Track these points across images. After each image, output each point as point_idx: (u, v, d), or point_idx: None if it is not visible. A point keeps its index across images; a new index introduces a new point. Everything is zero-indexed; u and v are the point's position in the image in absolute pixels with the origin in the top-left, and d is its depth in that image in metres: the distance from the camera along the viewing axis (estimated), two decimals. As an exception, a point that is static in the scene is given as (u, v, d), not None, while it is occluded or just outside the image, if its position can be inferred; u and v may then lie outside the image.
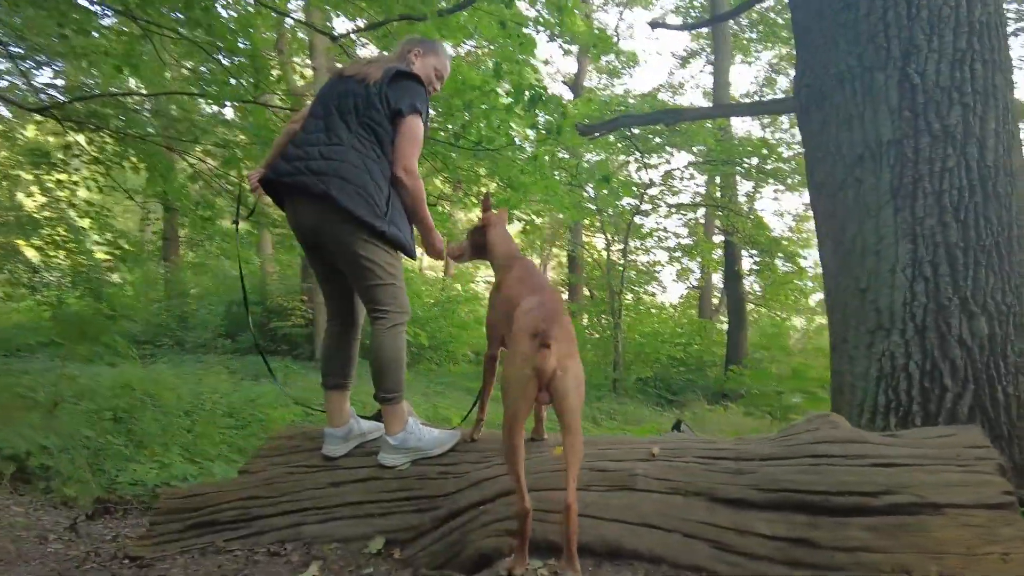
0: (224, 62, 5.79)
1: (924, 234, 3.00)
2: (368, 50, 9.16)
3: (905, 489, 1.72)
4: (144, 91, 7.84)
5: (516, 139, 6.31)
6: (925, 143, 3.02)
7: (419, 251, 2.74)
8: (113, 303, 10.87)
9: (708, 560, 1.77)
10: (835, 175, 3.33)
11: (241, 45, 5.48)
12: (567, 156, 8.73)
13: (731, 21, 12.67)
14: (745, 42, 15.20)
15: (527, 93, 5.62)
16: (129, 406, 5.42)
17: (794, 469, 1.89)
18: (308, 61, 11.30)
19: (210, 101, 6.58)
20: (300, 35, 10.82)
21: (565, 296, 15.70)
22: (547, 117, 5.52)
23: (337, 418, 2.60)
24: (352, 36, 7.49)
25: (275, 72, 6.29)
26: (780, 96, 17.20)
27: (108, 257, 9.39)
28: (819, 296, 14.67)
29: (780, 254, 12.03)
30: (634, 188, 12.00)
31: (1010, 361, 2.88)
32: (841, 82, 3.28)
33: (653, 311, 14.93)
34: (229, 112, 7.73)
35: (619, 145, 12.67)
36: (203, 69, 6.61)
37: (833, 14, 3.31)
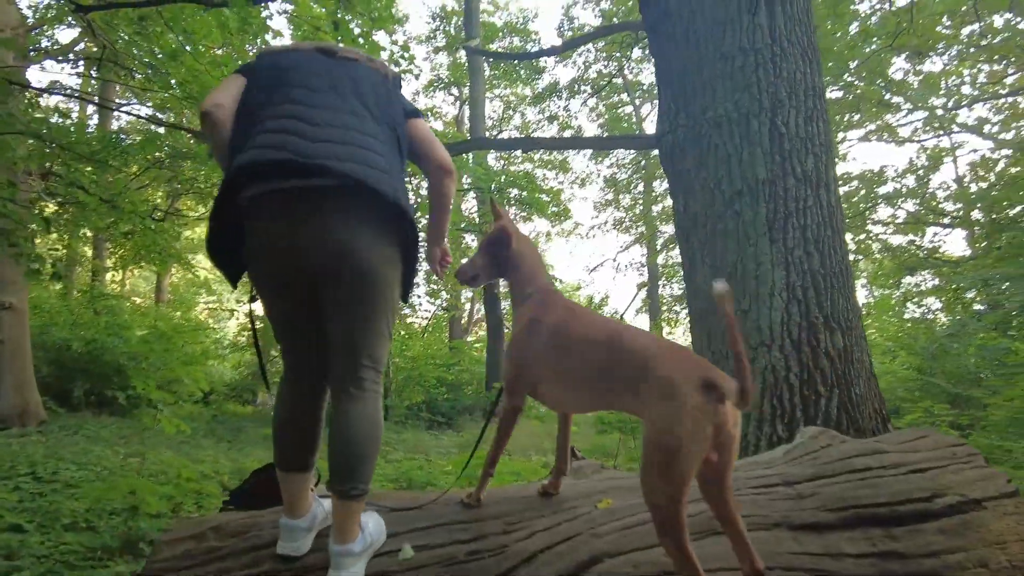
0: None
1: (794, 262, 3.50)
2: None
3: (948, 490, 1.95)
4: None
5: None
6: (792, 184, 3.53)
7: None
8: None
9: (818, 591, 1.77)
10: (714, 207, 3.69)
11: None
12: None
13: (482, 59, 13.37)
14: (486, 78, 16.21)
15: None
16: None
17: (849, 486, 2.00)
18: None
19: None
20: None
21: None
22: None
23: (301, 505, 1.96)
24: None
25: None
26: (513, 130, 18.78)
27: None
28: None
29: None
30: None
31: (857, 367, 3.50)
32: (719, 125, 3.67)
33: (415, 334, 14.84)
34: None
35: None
36: None
37: (710, 64, 3.71)
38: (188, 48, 6.16)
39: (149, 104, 10.19)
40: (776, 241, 3.52)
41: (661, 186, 17.27)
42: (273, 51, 2.03)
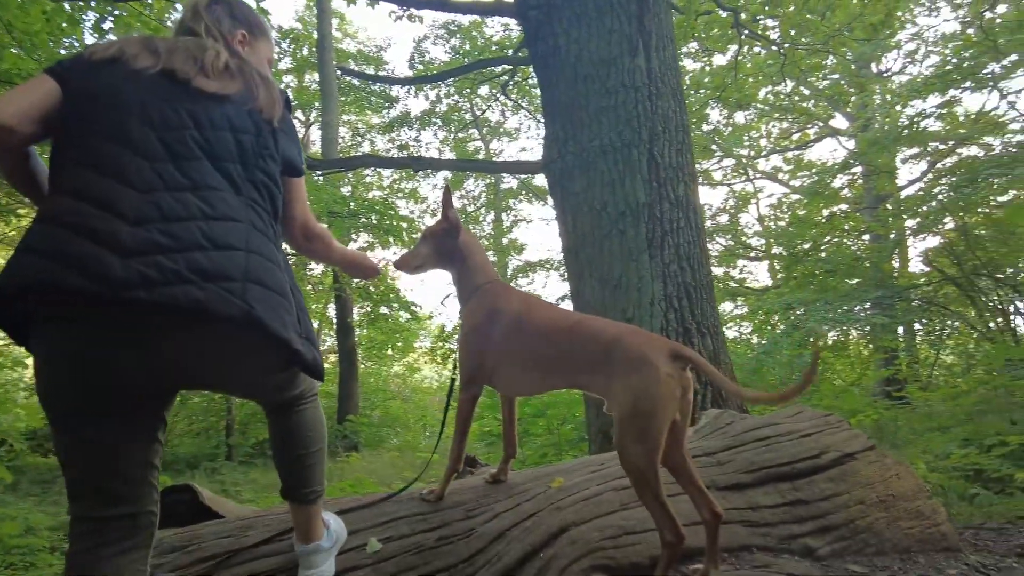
0: None
1: (670, 275, 3.96)
2: None
3: (830, 448, 2.38)
4: None
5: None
6: (667, 207, 4.02)
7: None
8: None
9: (748, 537, 2.07)
10: (600, 227, 4.07)
11: None
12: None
13: (337, 81, 13.20)
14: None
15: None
16: None
17: (756, 452, 2.35)
18: None
19: None
20: None
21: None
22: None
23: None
24: None
25: None
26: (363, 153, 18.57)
27: None
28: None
29: (395, 304, 12.83)
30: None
31: (723, 368, 4.02)
32: (604, 153, 4.07)
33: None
34: None
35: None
36: None
37: (596, 99, 4.12)
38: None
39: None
40: (654, 257, 3.96)
41: (509, 219, 18.04)
42: (94, 59, 1.41)
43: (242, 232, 1.36)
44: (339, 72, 10.83)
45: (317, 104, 14.90)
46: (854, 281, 10.68)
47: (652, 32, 4.18)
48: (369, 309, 12.98)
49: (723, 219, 15.36)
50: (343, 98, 15.94)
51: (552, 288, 18.13)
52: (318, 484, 1.77)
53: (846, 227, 11.81)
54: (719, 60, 10.26)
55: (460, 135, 17.63)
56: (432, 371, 18.07)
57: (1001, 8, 8.90)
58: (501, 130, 18.67)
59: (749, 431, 2.47)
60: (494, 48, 13.16)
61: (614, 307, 4.01)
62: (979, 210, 9.34)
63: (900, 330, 11.03)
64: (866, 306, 10.03)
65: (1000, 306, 8.80)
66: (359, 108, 17.13)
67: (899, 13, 8.55)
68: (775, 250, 13.96)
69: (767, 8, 7.12)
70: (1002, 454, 4.36)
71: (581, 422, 6.99)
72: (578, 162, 4.18)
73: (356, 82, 15.82)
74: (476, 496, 2.18)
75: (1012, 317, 8.56)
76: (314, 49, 14.16)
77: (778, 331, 12.10)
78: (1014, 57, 8.39)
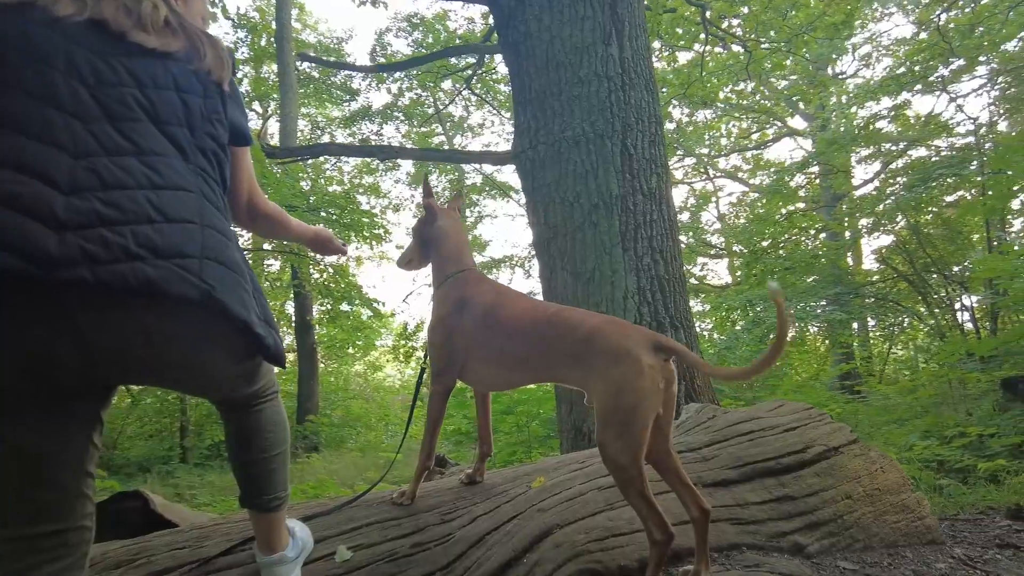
0: None
1: (643, 269, 3.89)
2: None
3: (815, 442, 2.32)
4: None
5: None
6: (640, 200, 3.94)
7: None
8: None
9: (737, 536, 1.99)
10: (573, 219, 3.97)
11: None
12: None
13: (296, 72, 12.84)
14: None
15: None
16: None
17: (741, 447, 2.29)
18: None
19: None
20: None
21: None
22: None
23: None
24: None
25: None
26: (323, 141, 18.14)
27: None
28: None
29: (357, 301, 12.51)
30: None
31: (695, 361, 3.97)
32: (577, 144, 3.98)
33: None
34: None
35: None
36: None
37: (569, 88, 4.02)
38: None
39: None
40: (628, 250, 3.89)
41: (473, 215, 17.88)
42: (2, 2, 1.17)
43: (194, 203, 1.22)
44: (299, 61, 10.47)
45: (275, 96, 14.49)
46: (811, 278, 10.89)
47: (625, 21, 4.10)
48: (330, 306, 12.62)
49: (684, 217, 15.52)
50: (302, 90, 15.54)
51: (517, 285, 18.03)
52: (281, 490, 1.62)
53: (803, 225, 12.04)
54: (683, 59, 10.32)
55: (423, 129, 17.38)
56: (394, 369, 17.78)
57: (953, 13, 9.17)
58: (465, 125, 18.47)
59: (732, 425, 2.40)
60: (457, 41, 12.97)
61: (587, 301, 3.92)
62: (930, 209, 9.64)
63: (855, 326, 11.31)
64: (822, 302, 10.24)
65: (948, 301, 9.08)
66: (319, 101, 16.73)
67: (858, 16, 8.72)
68: (735, 247, 14.16)
69: (732, 6, 7.15)
70: (962, 445, 4.45)
71: (549, 419, 6.91)
72: (550, 152, 4.07)
73: (316, 74, 15.45)
74: (452, 498, 2.05)
75: (959, 312, 8.84)
76: (272, 39, 13.76)
77: (738, 327, 12.29)
78: (962, 61, 8.66)
